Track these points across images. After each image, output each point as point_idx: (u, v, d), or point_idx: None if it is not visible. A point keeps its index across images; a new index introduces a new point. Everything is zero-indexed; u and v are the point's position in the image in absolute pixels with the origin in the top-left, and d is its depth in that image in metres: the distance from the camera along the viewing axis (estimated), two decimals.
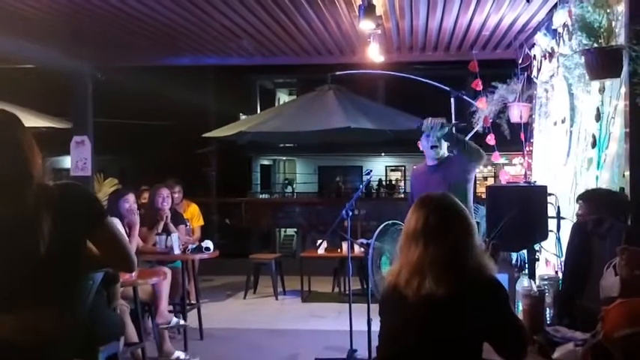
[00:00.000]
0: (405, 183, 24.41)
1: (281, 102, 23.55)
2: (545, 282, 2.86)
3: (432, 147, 4.61)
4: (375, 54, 5.39)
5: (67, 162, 7.24)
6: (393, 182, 24.55)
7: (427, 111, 5.62)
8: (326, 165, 25.03)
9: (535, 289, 2.75)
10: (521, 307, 2.82)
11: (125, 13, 4.94)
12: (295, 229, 15.40)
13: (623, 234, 2.52)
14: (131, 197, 5.98)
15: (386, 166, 25.54)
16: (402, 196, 21.63)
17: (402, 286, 2.18)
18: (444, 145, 4.65)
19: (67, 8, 4.81)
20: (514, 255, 4.71)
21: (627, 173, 3.51)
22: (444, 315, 2.13)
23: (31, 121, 8.38)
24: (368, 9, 4.59)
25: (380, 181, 23.87)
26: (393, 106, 11.04)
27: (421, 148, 4.81)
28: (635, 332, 2.00)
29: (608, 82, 3.87)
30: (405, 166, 25.01)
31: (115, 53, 6.53)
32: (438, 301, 2.11)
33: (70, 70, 6.76)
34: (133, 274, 4.75)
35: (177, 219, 6.48)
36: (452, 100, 6.66)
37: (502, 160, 11.00)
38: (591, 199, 3.23)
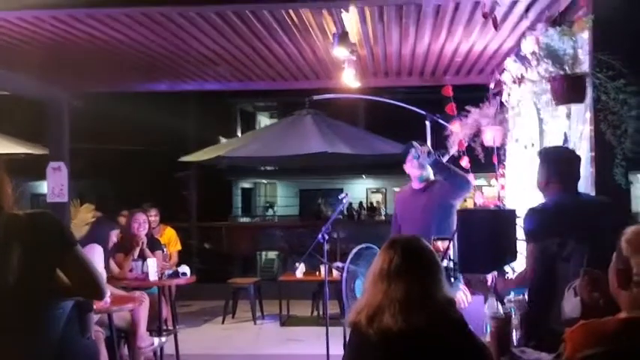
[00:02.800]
0: (386, 205, 24.49)
1: (262, 125, 23.62)
2: (512, 304, 2.91)
3: (420, 167, 4.63)
4: (350, 79, 5.46)
5: (44, 187, 7.20)
6: (375, 204, 24.62)
7: (407, 134, 5.71)
8: (307, 188, 25.06)
9: (502, 311, 2.80)
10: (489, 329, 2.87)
11: (102, 41, 4.97)
12: (277, 253, 15.36)
13: (585, 256, 2.58)
14: (141, 217, 6.12)
15: (367, 189, 25.63)
16: (383, 218, 21.67)
17: (364, 324, 2.25)
18: (429, 168, 4.70)
19: (43, 37, 4.84)
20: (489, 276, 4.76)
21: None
22: (403, 350, 2.18)
23: (7, 147, 8.37)
24: (342, 36, 4.67)
25: (360, 203, 23.92)
26: (374, 130, 11.17)
27: (407, 172, 4.86)
28: (595, 353, 2.05)
29: (574, 108, 3.98)
30: (386, 189, 25.12)
31: (91, 80, 6.56)
32: (396, 336, 2.17)
33: (46, 97, 6.76)
34: (108, 300, 4.75)
35: (154, 244, 6.48)
36: (427, 123, 6.79)
37: (481, 182, 11.11)
38: (543, 157, 3.43)
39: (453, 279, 3.15)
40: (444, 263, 3.10)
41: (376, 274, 2.34)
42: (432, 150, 4.63)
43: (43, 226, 2.21)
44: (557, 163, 3.37)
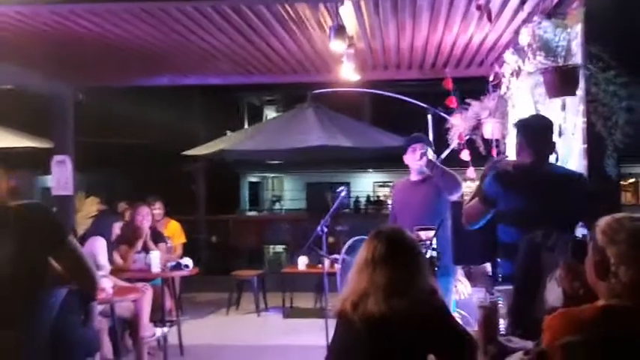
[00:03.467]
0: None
1: (268, 119, 23.65)
2: (500, 294, 2.95)
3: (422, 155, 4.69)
4: (349, 73, 5.48)
5: (49, 181, 7.30)
6: (381, 198, 24.63)
7: (410, 127, 5.74)
8: (314, 181, 25.10)
9: (489, 300, 2.84)
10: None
11: (102, 36, 5.03)
12: (284, 246, 15.42)
13: (569, 246, 2.61)
14: (144, 209, 6.20)
15: (374, 182, 25.64)
16: (389, 211, 21.67)
17: (349, 311, 2.31)
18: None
19: (46, 32, 4.90)
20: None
21: None
22: (386, 334, 2.24)
23: (12, 141, 8.46)
24: (338, 30, 4.69)
25: (368, 197, 23.95)
26: (379, 123, 11.17)
27: (407, 163, 4.92)
28: (574, 340, 2.08)
29: (568, 100, 4.00)
30: (392, 182, 25.12)
31: (94, 74, 6.62)
32: (379, 320, 2.22)
33: (50, 91, 6.84)
34: (110, 291, 4.84)
35: (158, 237, 6.55)
36: (429, 116, 6.81)
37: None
38: (518, 126, 3.61)
39: (436, 268, 3.19)
40: (427, 254, 3.16)
41: (361, 262, 2.41)
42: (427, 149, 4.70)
43: (34, 217, 2.27)
44: (531, 131, 3.51)
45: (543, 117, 3.88)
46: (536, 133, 3.51)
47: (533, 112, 4.81)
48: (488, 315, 2.85)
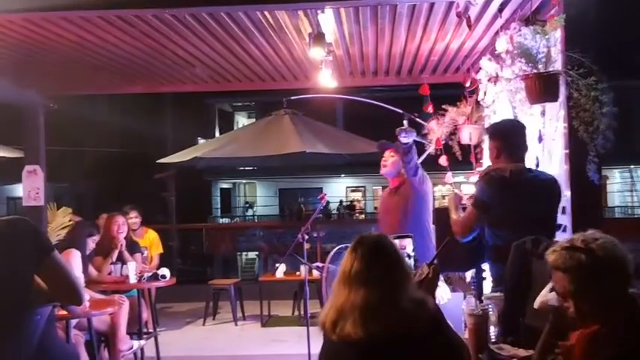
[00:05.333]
0: (365, 203, 24.58)
1: (240, 125, 23.59)
2: (490, 301, 2.95)
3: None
4: (327, 79, 5.47)
5: (20, 190, 7.12)
6: (354, 203, 24.70)
7: (385, 132, 5.75)
8: (286, 187, 25.08)
9: (479, 309, 2.84)
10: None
11: (76, 43, 4.93)
12: (257, 253, 15.33)
13: None
14: (120, 219, 6.08)
15: (346, 187, 25.70)
16: (363, 217, 21.75)
17: (328, 327, 2.25)
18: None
19: (16, 40, 4.79)
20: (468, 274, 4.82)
21: (568, 193, 3.66)
22: (366, 355, 2.19)
23: None
24: (317, 37, 4.67)
25: (340, 202, 23.99)
26: (352, 129, 11.19)
27: (381, 172, 5.06)
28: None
29: (548, 106, 4.03)
30: (365, 187, 25.22)
31: (66, 83, 6.49)
32: (357, 343, 2.17)
33: (20, 100, 6.68)
34: (87, 304, 4.72)
35: (133, 247, 6.43)
36: (405, 122, 6.82)
37: (459, 179, 11.15)
38: (492, 132, 3.72)
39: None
40: None
41: (340, 276, 2.32)
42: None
43: (20, 233, 2.20)
44: (505, 136, 3.60)
45: (515, 120, 3.94)
46: (512, 137, 3.61)
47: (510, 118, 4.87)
48: (479, 323, 2.86)
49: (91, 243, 5.60)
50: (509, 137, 3.60)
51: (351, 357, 2.21)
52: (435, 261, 2.60)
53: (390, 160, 5.03)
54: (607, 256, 1.97)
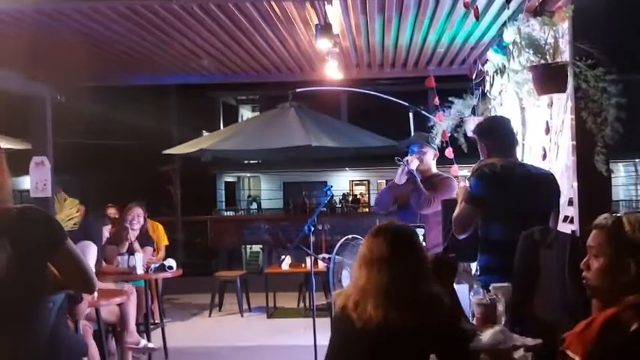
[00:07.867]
0: (369, 197, 24.58)
1: (244, 118, 23.56)
2: (498, 291, 2.96)
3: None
4: (333, 71, 5.48)
5: (27, 183, 7.14)
6: (358, 196, 24.70)
7: (391, 125, 5.78)
8: (291, 181, 25.07)
9: (487, 298, 2.85)
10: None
11: (84, 35, 4.94)
12: (261, 246, 15.35)
13: (567, 244, 2.63)
14: (138, 210, 6.11)
15: (350, 181, 25.70)
16: (367, 210, 21.76)
17: (351, 309, 2.28)
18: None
19: (24, 31, 4.80)
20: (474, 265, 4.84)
21: (575, 184, 3.65)
22: (385, 337, 2.21)
23: None
24: (324, 28, 4.67)
25: (344, 195, 23.99)
26: (357, 122, 11.19)
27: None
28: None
29: (555, 97, 4.03)
30: (369, 181, 25.21)
31: (73, 74, 6.49)
32: (376, 325, 2.19)
33: (28, 92, 6.70)
34: (95, 295, 4.75)
35: (147, 240, 6.46)
36: (410, 115, 6.83)
37: (464, 173, 11.16)
38: (480, 131, 3.76)
39: None
40: None
41: (362, 260, 2.35)
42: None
43: (33, 221, 2.21)
44: (494, 134, 3.67)
45: (498, 116, 3.96)
46: (499, 133, 3.68)
47: (518, 111, 4.88)
48: (487, 313, 2.87)
49: (106, 232, 5.62)
50: (496, 134, 3.67)
51: (369, 336, 2.23)
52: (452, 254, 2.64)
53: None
54: None
